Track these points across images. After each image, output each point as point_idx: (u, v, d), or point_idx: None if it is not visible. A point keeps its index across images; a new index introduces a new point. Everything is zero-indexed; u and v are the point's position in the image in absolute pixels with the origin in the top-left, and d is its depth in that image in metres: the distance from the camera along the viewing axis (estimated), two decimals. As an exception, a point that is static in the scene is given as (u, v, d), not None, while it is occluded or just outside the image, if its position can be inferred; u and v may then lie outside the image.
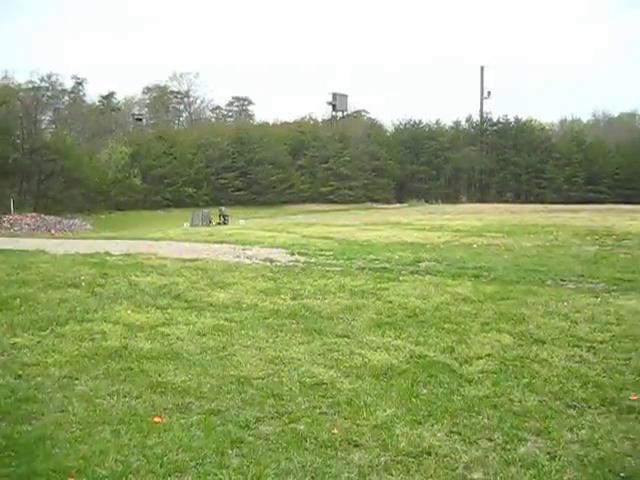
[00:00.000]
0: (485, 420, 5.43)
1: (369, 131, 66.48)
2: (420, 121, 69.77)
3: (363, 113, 78.90)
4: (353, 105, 75.22)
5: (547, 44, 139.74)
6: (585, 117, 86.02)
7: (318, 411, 5.65)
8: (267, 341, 7.84)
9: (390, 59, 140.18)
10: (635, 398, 5.88)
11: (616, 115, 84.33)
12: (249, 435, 5.18)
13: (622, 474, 4.53)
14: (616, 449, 4.92)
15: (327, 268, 13.58)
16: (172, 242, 19.83)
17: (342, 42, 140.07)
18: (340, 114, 73.10)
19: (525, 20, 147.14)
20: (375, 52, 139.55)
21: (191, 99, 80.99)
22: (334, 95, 70.94)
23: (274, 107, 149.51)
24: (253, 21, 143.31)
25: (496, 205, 53.28)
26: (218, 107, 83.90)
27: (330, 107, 72.03)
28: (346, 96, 72.29)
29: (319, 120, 72.56)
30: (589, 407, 5.75)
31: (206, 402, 5.85)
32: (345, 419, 5.47)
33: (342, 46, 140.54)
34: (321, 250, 16.97)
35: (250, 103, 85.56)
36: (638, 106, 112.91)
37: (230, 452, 4.88)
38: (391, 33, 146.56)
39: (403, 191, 65.69)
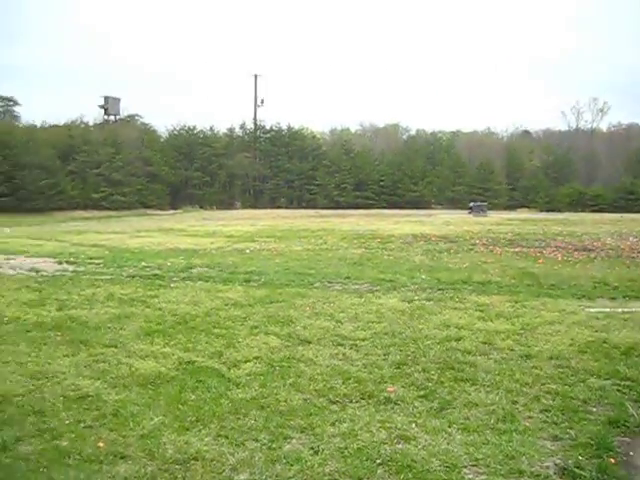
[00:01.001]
0: (252, 421, 5.52)
1: (142, 136, 65.08)
2: (195, 127, 69.38)
3: (136, 118, 77.16)
4: (126, 109, 73.44)
5: (320, 55, 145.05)
6: (354, 127, 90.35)
7: (83, 425, 5.46)
8: (29, 355, 7.48)
9: (165, 64, 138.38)
10: (391, 390, 6.27)
11: (381, 126, 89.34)
12: (7, 457, 4.90)
13: (378, 461, 4.82)
14: (374, 438, 5.21)
15: (96, 277, 13.21)
16: None
17: (115, 44, 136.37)
18: (113, 118, 70.98)
19: (300, 29, 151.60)
20: (151, 56, 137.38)
21: (-53, 98, 74.79)
22: (106, 98, 68.65)
23: (43, 110, 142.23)
24: (17, 16, 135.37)
25: (269, 211, 54.54)
26: (-22, 107, 78.11)
27: (102, 110, 69.73)
28: (119, 99, 70.32)
29: (90, 124, 69.92)
30: (350, 401, 6.03)
31: (-42, 425, 5.45)
32: (111, 431, 5.33)
33: (116, 47, 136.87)
34: (91, 258, 16.49)
35: (16, 104, 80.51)
36: (401, 118, 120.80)
37: (-16, 477, 4.60)
38: (166, 37, 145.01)
39: (177, 197, 64.96)
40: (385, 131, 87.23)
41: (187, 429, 5.36)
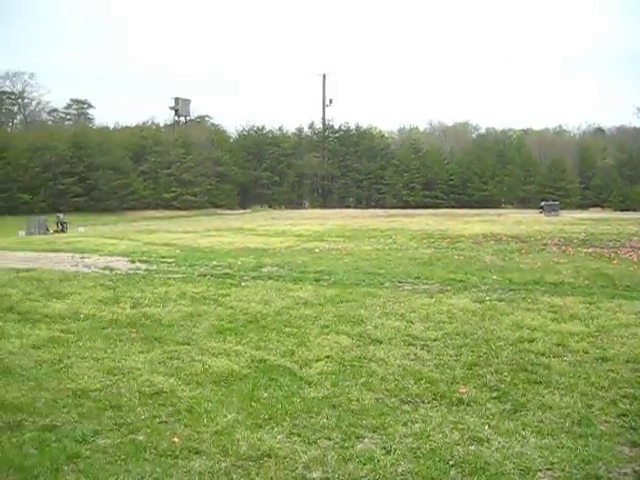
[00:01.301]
0: (324, 420, 5.55)
1: (212, 137, 66.00)
2: (263, 127, 70.10)
3: (206, 118, 78.38)
4: (196, 110, 74.66)
5: (388, 54, 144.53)
6: (422, 126, 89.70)
7: (158, 420, 5.57)
8: (105, 351, 7.66)
9: (234, 65, 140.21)
10: (464, 391, 6.21)
11: (450, 124, 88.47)
12: (86, 449, 5.02)
13: (451, 462, 4.78)
14: (446, 439, 5.17)
15: (168, 275, 13.44)
16: (5, 252, 18.98)
17: (186, 46, 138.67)
18: (183, 119, 72.19)
19: (367, 31, 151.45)
20: (219, 57, 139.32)
21: (26, 100, 77.15)
22: (177, 100, 69.88)
23: (115, 111, 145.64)
24: (89, 19, 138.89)
25: (338, 210, 54.62)
26: (55, 110, 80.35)
27: (173, 112, 70.99)
28: (189, 101, 71.50)
29: (161, 125, 71.27)
30: (422, 402, 6.00)
31: (40, 418, 5.61)
32: (185, 427, 5.43)
33: (186, 49, 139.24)
34: (163, 257, 16.78)
35: (90, 106, 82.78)
36: (470, 116, 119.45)
37: (66, 468, 4.72)
38: (235, 39, 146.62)
39: (247, 197, 65.75)
40: (454, 129, 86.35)
41: (260, 426, 5.42)
